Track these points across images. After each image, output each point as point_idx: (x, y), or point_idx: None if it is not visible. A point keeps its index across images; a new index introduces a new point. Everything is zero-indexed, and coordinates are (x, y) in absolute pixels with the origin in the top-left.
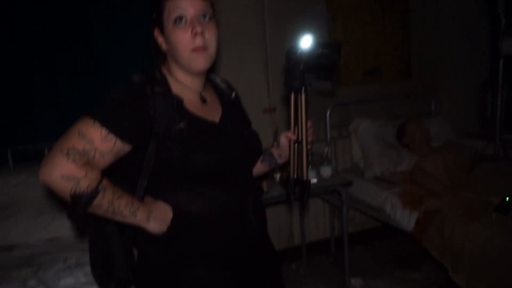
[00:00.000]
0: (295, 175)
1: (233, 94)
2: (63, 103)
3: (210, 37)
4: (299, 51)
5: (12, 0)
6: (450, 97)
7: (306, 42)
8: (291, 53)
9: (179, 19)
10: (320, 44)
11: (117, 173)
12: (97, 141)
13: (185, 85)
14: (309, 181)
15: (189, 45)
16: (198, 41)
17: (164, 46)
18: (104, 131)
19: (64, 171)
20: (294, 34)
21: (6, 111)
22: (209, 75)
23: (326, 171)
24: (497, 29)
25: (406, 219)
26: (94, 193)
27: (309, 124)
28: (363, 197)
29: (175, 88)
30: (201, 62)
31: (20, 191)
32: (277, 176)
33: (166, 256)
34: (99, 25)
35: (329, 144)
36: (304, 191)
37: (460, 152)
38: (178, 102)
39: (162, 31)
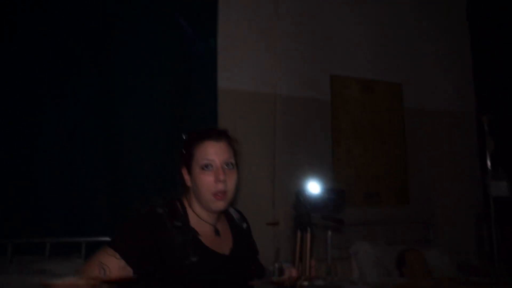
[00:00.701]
0: None
1: (244, 225)
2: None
3: (231, 183)
4: (307, 194)
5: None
6: (448, 226)
7: (313, 187)
8: (300, 195)
9: (206, 166)
10: (326, 189)
11: None
12: (114, 272)
13: (202, 218)
14: None
15: (211, 189)
16: (220, 187)
17: (188, 183)
18: (122, 263)
19: None
20: (301, 152)
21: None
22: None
23: None
24: (485, 172)
25: None
26: None
27: (312, 263)
28: None
29: (193, 220)
30: (219, 205)
31: None
32: None
33: None
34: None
35: (330, 269)
36: None
37: None
38: (193, 235)
39: (189, 171)
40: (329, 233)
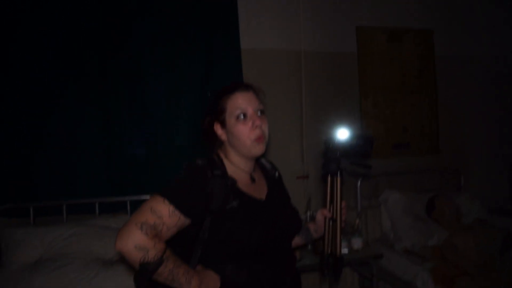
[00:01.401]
0: (329, 250)
1: (277, 174)
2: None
3: (265, 128)
4: (336, 140)
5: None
6: (479, 173)
7: (342, 134)
8: (329, 142)
9: (241, 116)
10: (355, 135)
11: (175, 243)
12: (165, 216)
13: (238, 167)
14: (343, 257)
15: (251, 136)
16: (258, 132)
17: (223, 137)
18: (171, 208)
19: (137, 242)
20: (328, 107)
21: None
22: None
23: (357, 242)
24: None
25: None
26: (159, 262)
27: (343, 204)
28: (393, 270)
29: (230, 170)
30: (260, 149)
31: (70, 243)
32: (309, 245)
33: None
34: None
35: (360, 215)
36: (337, 266)
37: (492, 231)
38: (232, 183)
39: (223, 126)
40: (359, 181)
